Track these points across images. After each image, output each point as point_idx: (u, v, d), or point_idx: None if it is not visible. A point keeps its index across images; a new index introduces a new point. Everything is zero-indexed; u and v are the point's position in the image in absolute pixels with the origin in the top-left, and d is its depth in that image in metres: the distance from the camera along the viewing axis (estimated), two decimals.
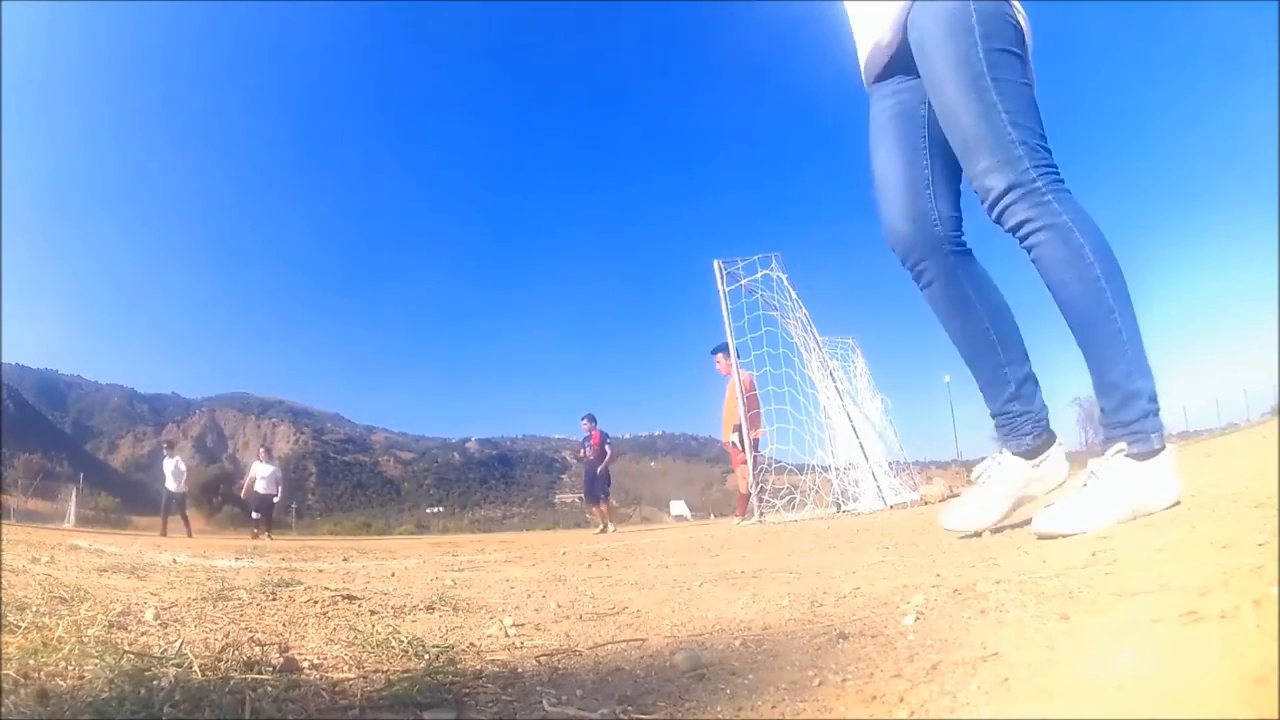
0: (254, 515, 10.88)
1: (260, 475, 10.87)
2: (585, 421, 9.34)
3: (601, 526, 8.71)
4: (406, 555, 3.76)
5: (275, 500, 11.09)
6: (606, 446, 9.23)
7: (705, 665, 0.81)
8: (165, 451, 11.76)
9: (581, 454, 9.53)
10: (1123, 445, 1.45)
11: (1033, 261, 1.51)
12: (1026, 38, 1.56)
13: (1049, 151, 1.50)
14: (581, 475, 9.70)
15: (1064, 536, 1.41)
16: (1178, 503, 1.45)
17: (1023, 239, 1.50)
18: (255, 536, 10.25)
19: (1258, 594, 0.64)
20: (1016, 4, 1.57)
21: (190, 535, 10.48)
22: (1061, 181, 1.49)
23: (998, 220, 1.53)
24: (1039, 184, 1.46)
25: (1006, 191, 1.48)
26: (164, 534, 10.17)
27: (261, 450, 11.94)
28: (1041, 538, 1.44)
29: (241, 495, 12.28)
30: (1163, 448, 1.45)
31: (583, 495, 9.39)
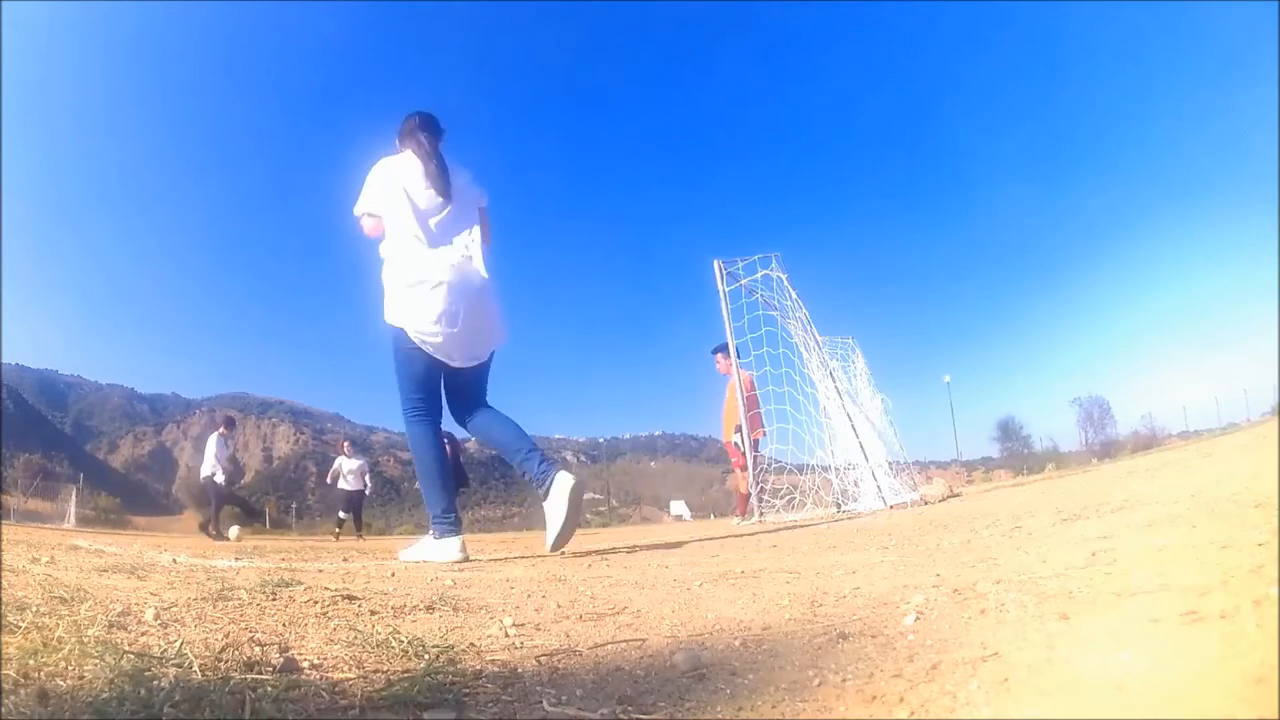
0: (340, 515, 10.02)
1: (346, 470, 9.88)
2: None
3: None
4: None
5: (365, 495, 10.02)
6: (445, 446, 8.79)
7: (705, 665, 0.81)
8: (222, 429, 8.99)
9: None
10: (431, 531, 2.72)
11: None
12: (415, 330, 2.62)
13: (412, 397, 2.75)
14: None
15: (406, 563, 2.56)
16: (456, 561, 2.56)
17: None
18: (337, 538, 9.27)
19: (1258, 594, 0.64)
20: (411, 316, 2.63)
21: (217, 537, 7.89)
22: (413, 414, 2.77)
23: None
24: (405, 414, 2.79)
25: (405, 417, 2.80)
26: (217, 532, 7.94)
27: (346, 444, 11.01)
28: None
29: (331, 485, 10.31)
30: (439, 538, 2.66)
31: None
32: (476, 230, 2.76)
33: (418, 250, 2.61)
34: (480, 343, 2.73)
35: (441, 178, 2.69)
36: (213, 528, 8.22)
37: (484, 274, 2.71)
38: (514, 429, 2.77)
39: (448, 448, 10.39)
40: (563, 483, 2.54)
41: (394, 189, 2.67)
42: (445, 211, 2.69)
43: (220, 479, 8.58)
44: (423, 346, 2.63)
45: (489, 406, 2.85)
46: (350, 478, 10.04)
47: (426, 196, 2.68)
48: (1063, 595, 0.90)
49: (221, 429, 9.00)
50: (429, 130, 2.80)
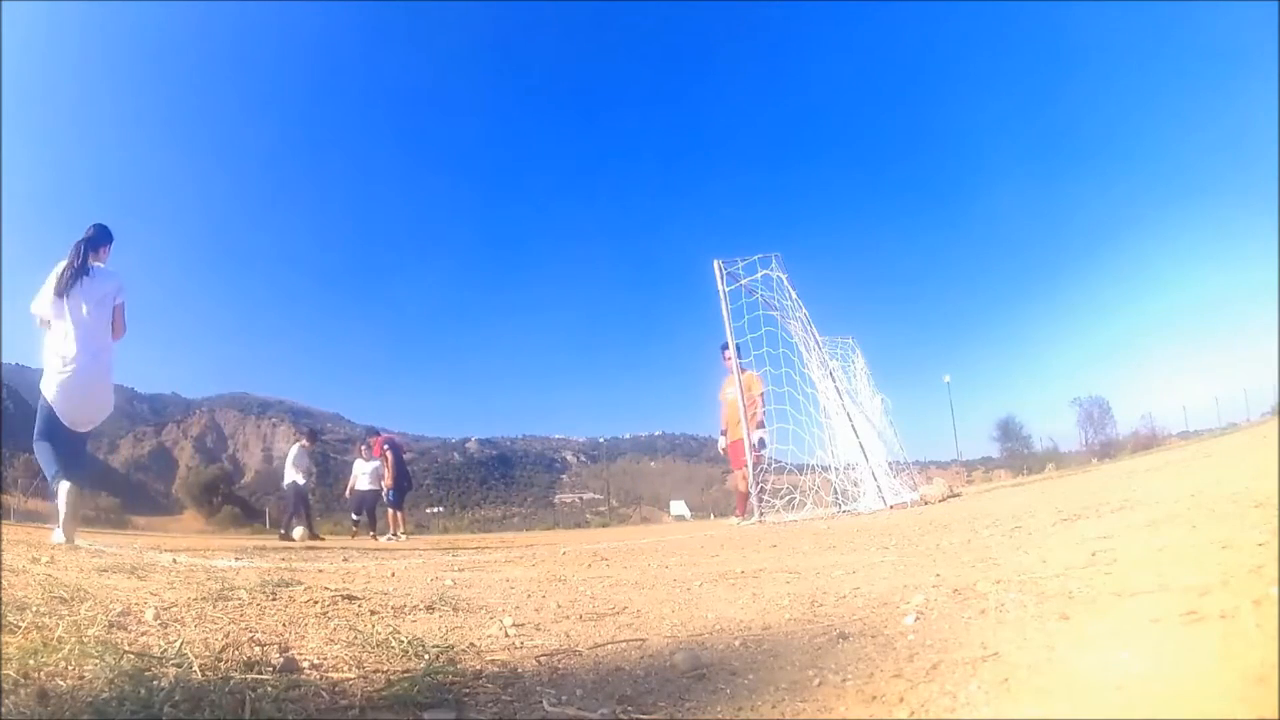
0: (354, 516, 10.43)
1: (361, 473, 10.31)
2: (370, 436, 9.81)
3: (391, 533, 9.14)
4: (406, 555, 3.75)
5: (380, 496, 10.36)
6: (387, 453, 9.54)
7: (705, 665, 0.81)
8: (305, 441, 9.91)
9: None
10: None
11: None
12: (50, 399, 3.62)
13: (40, 429, 3.69)
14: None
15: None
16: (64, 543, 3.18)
17: None
18: (354, 536, 9.89)
19: (1258, 594, 0.64)
20: (47, 388, 3.66)
21: (298, 537, 8.56)
22: (36, 439, 3.67)
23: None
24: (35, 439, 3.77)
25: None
26: (287, 533, 8.78)
27: (362, 448, 11.44)
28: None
29: (347, 495, 11.01)
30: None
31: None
32: (107, 324, 3.75)
33: (58, 340, 3.63)
34: (88, 414, 3.77)
35: (69, 283, 3.65)
36: (304, 526, 8.95)
37: (100, 363, 3.72)
38: (78, 462, 3.84)
39: (389, 454, 11.02)
40: (62, 489, 3.46)
41: (50, 291, 3.68)
42: (84, 310, 3.65)
43: (302, 483, 9.46)
44: (55, 411, 3.66)
45: (82, 452, 3.91)
46: (366, 479, 10.42)
47: (71, 298, 3.65)
48: (1063, 595, 0.90)
49: (304, 441, 9.94)
50: (86, 242, 3.73)
